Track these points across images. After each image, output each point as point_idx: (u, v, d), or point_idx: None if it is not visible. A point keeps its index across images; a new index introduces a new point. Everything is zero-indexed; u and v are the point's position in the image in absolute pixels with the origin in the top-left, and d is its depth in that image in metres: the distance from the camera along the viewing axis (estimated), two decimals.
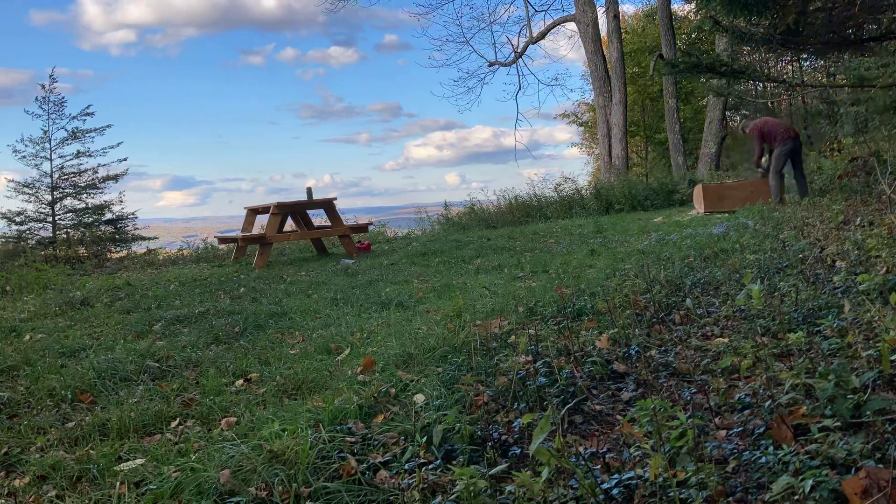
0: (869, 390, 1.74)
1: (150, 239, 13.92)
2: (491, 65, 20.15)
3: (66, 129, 13.45)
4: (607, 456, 1.77)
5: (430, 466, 1.85)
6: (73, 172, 13.53)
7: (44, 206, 13.28)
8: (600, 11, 17.40)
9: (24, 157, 13.21)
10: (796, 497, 1.37)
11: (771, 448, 1.59)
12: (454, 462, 1.86)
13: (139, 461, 2.16)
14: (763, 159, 9.04)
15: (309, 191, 8.83)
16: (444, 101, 43.64)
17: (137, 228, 13.98)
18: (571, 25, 18.25)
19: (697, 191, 9.81)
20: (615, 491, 1.53)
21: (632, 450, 1.76)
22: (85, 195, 13.61)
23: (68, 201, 13.54)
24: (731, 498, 1.46)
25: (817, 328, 2.47)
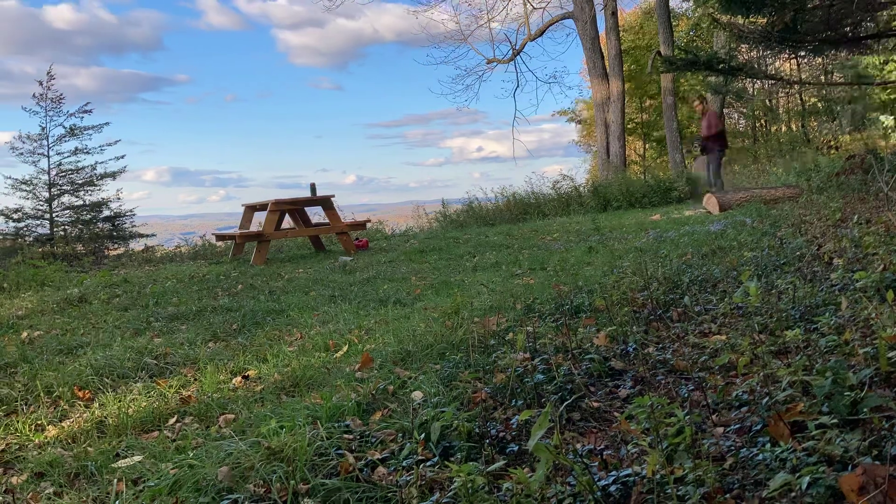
0: (866, 387, 1.74)
1: (147, 236, 13.91)
2: (489, 62, 20.13)
3: (63, 126, 13.42)
4: (605, 453, 1.77)
5: (428, 463, 1.85)
6: (71, 169, 13.50)
7: (41, 202, 13.25)
8: (598, 9, 17.39)
9: (22, 153, 13.17)
10: (793, 494, 1.37)
11: (768, 445, 1.59)
12: (452, 459, 1.86)
13: (137, 458, 2.16)
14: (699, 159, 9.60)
15: (313, 187, 8.84)
16: (443, 98, 43.21)
17: (135, 226, 13.97)
18: (570, 23, 18.23)
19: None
20: (613, 488, 1.53)
21: (629, 447, 1.77)
22: (83, 192, 13.59)
23: (66, 198, 13.51)
24: (728, 495, 1.46)
25: (814, 325, 2.48)
